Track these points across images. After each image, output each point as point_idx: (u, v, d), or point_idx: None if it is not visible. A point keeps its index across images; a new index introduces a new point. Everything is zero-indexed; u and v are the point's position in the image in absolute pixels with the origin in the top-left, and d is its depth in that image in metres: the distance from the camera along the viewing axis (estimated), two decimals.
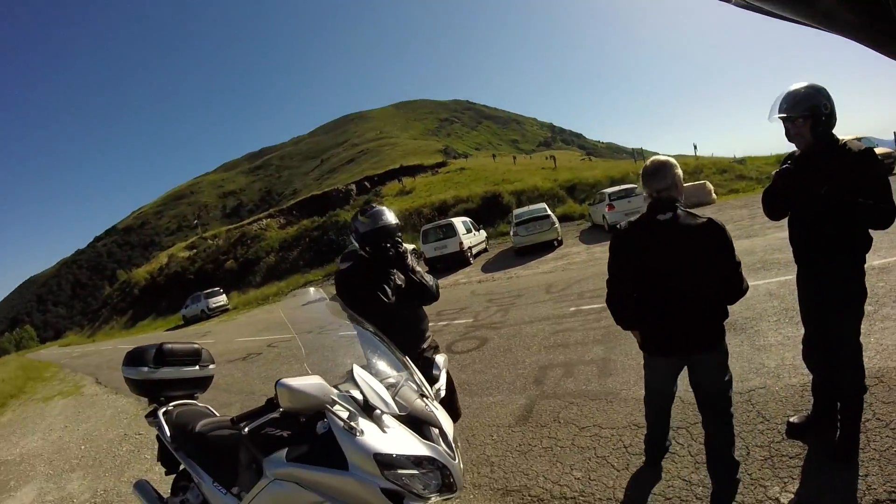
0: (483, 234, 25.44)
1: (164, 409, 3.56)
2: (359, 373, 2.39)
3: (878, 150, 23.35)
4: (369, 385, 2.35)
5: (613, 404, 4.88)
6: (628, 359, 5.92)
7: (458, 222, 22.13)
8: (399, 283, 3.65)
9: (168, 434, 3.31)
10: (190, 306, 35.77)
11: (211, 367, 4.04)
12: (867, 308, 5.84)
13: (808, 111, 3.04)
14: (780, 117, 3.17)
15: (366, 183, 62.09)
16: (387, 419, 2.36)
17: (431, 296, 3.82)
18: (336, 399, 2.29)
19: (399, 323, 3.55)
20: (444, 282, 17.31)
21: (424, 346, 3.74)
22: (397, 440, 2.30)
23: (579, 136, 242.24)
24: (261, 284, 40.54)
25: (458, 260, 20.83)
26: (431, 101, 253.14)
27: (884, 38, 1.05)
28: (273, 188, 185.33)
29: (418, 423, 2.48)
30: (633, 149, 71.92)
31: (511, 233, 20.88)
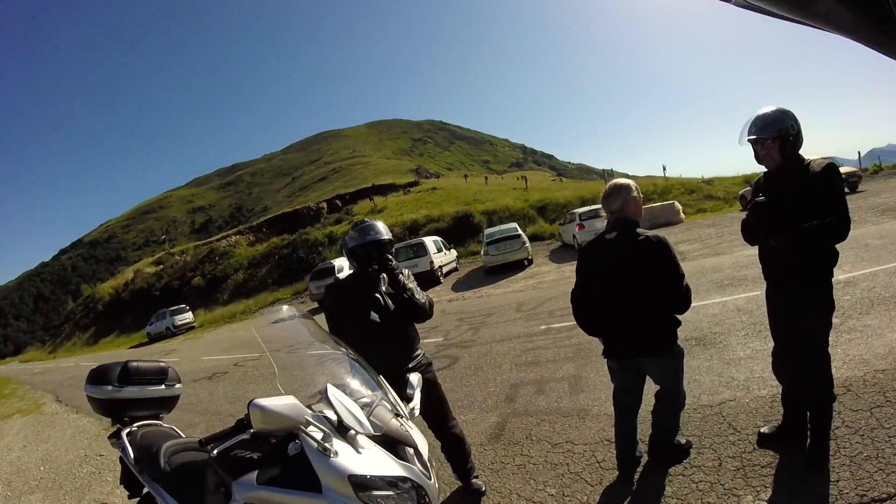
0: (454, 253, 25.53)
1: (127, 430, 3.44)
2: (333, 392, 2.35)
3: (843, 169, 24.37)
4: (343, 405, 2.32)
5: (585, 420, 4.90)
6: (599, 375, 5.95)
7: (429, 241, 22.23)
8: (389, 299, 3.62)
9: (132, 456, 3.21)
10: (155, 323, 34.95)
11: (177, 386, 3.94)
12: (834, 320, 6.02)
13: (776, 133, 3.20)
14: (750, 140, 3.33)
15: (337, 201, 61.92)
16: (361, 439, 2.33)
17: (424, 314, 3.77)
18: (309, 419, 2.24)
19: (388, 340, 3.58)
20: None
21: (413, 364, 3.70)
22: (372, 461, 2.27)
23: (550, 157, 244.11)
24: (228, 302, 39.88)
25: (429, 279, 20.78)
26: (405, 121, 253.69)
27: (884, 38, 1.06)
28: (243, 204, 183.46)
29: (393, 444, 2.45)
30: (603, 170, 72.84)
31: (482, 252, 21.14)
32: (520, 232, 20.69)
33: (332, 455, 2.17)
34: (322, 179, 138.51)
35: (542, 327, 9.01)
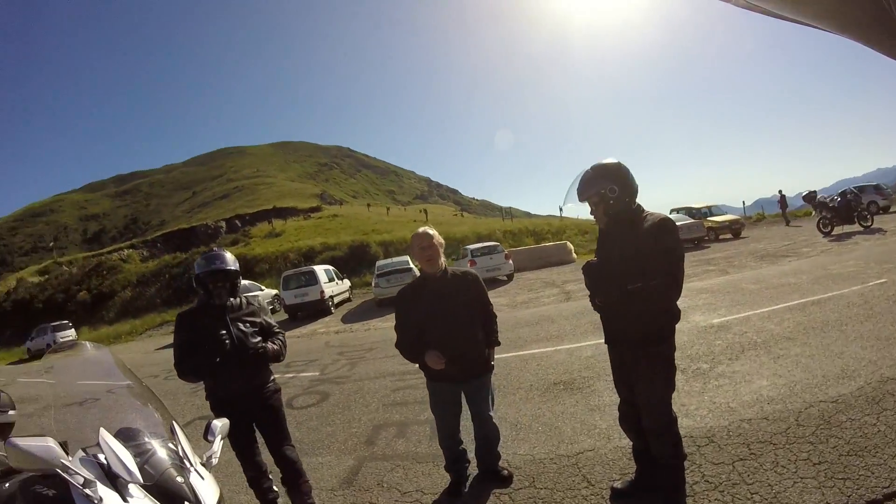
0: (346, 283, 25.16)
1: None
2: (104, 436, 2.20)
3: (724, 217, 26.14)
4: (113, 450, 2.16)
5: (440, 467, 4.63)
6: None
7: (321, 270, 21.73)
8: (239, 326, 3.76)
9: None
10: (36, 339, 32.20)
11: (11, 413, 3.45)
12: (703, 366, 6.05)
13: (595, 195, 3.23)
14: (570, 206, 3.44)
15: (236, 221, 60.41)
16: (133, 489, 2.13)
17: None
18: (66, 464, 2.03)
19: (237, 367, 3.66)
20: (303, 331, 16.86)
21: (264, 390, 3.86)
22: None
23: (455, 191, 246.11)
24: (114, 321, 37.46)
25: (319, 309, 20.35)
26: (312, 145, 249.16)
27: (884, 38, 1.04)
28: (139, 216, 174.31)
29: (171, 495, 2.24)
30: (504, 207, 74.45)
31: (373, 284, 20.82)
32: (411, 265, 20.53)
33: (96, 501, 2.01)
34: (224, 197, 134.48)
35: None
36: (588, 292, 3.46)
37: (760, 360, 6.09)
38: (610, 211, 3.22)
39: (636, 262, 3.03)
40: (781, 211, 31.01)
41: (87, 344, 3.07)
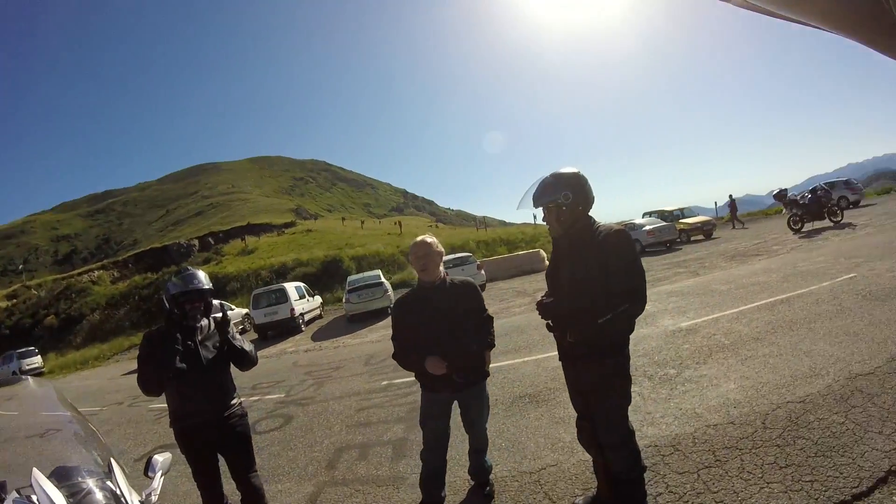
0: (318, 300, 24.77)
1: None
2: (36, 477, 2.13)
3: (696, 219, 26.46)
4: (45, 492, 2.08)
5: (399, 491, 4.52)
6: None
7: (291, 287, 21.34)
8: (207, 347, 3.72)
9: None
10: (1, 367, 31.68)
11: None
12: (670, 372, 5.94)
13: (551, 202, 3.16)
14: (525, 211, 3.32)
15: (210, 239, 59.89)
16: None
17: (248, 360, 3.90)
18: None
19: (202, 389, 3.62)
20: (272, 350, 16.50)
21: (227, 413, 3.74)
22: None
23: (431, 202, 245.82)
24: (82, 346, 36.58)
25: (289, 327, 20.02)
26: (287, 159, 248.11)
27: (884, 38, 1.05)
28: (112, 236, 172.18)
29: None
30: (479, 217, 74.59)
31: (344, 300, 20.56)
32: (382, 280, 20.35)
33: None
34: (198, 214, 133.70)
35: (384, 383, 8.60)
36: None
37: (728, 363, 6.02)
38: (563, 219, 3.17)
39: (595, 284, 2.98)
40: (731, 214, 31.48)
41: (30, 379, 3.05)
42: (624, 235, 3.05)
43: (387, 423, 6.46)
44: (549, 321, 3.23)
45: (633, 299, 2.94)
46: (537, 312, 3.23)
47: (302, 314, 20.95)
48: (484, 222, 56.99)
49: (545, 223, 3.30)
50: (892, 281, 8.58)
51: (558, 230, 3.23)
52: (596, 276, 2.97)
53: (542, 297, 3.30)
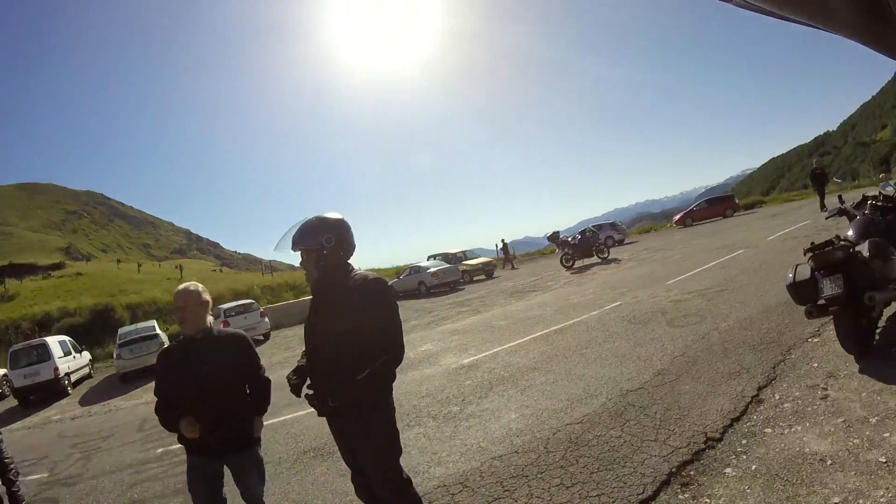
0: (87, 356, 21.67)
1: None
2: None
3: (478, 260, 28.43)
4: None
5: None
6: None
7: (55, 343, 18.44)
8: None
9: None
10: None
11: None
12: (453, 409, 5.97)
13: (312, 245, 3.07)
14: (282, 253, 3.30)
15: None
16: None
17: None
18: None
19: None
20: (34, 419, 14.26)
21: None
22: None
23: (216, 245, 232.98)
24: None
25: (54, 390, 17.12)
26: (61, 188, 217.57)
27: (884, 38, 1.05)
28: None
29: None
30: (266, 261, 71.95)
31: (115, 355, 18.39)
32: (158, 331, 18.74)
33: None
34: None
35: (160, 451, 7.77)
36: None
37: (508, 394, 6.25)
38: (323, 263, 3.08)
39: (351, 338, 2.90)
40: (505, 256, 34.72)
41: None
42: (380, 284, 3.04)
43: (163, 497, 5.84)
44: (309, 391, 3.08)
45: (390, 350, 2.91)
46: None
47: (68, 374, 18.14)
48: (271, 266, 54.96)
49: (302, 267, 3.18)
50: (653, 306, 9.64)
51: (315, 276, 3.14)
52: (351, 328, 2.89)
53: (291, 373, 3.17)
